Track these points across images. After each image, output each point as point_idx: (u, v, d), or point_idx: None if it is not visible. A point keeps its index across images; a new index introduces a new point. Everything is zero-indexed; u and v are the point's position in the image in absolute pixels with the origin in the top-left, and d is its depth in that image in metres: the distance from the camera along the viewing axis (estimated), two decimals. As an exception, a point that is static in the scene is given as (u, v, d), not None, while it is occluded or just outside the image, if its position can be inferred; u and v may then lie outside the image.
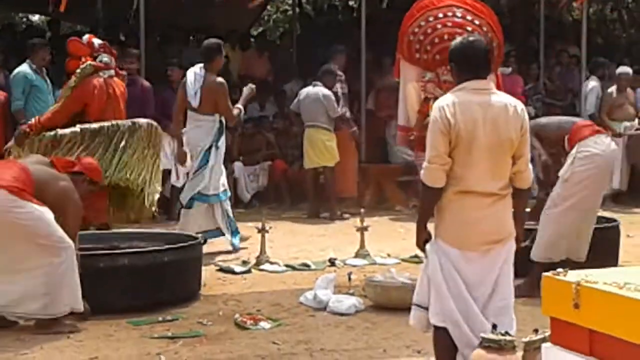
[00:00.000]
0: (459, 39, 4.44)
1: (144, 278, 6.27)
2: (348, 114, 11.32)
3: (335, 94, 10.96)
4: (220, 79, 8.47)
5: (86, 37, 8.45)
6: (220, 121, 8.58)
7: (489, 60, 4.38)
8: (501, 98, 4.29)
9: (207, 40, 8.88)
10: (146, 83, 10.61)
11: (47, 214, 5.69)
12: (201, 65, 8.54)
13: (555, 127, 6.85)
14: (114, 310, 6.11)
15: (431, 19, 10.46)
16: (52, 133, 7.62)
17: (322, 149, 10.72)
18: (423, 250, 4.34)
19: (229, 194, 8.77)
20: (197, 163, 8.52)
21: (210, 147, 8.48)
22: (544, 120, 7.36)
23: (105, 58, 8.14)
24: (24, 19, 19.45)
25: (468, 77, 4.26)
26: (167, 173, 10.68)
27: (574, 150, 6.57)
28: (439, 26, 10.36)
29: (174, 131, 10.42)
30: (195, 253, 6.76)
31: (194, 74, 8.51)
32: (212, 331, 5.81)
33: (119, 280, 6.21)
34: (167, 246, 6.61)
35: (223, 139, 8.69)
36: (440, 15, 10.43)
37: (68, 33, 15.50)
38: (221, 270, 7.63)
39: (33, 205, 5.65)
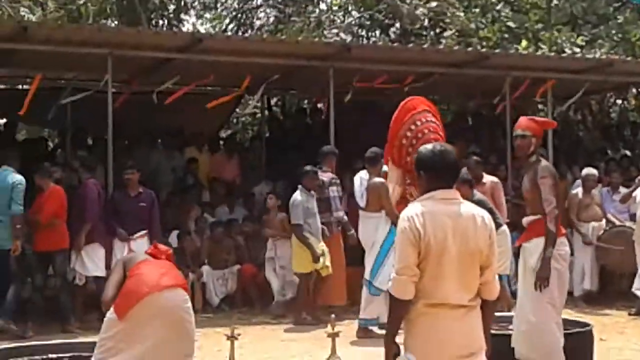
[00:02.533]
0: (428, 147, 4.39)
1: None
2: (345, 218, 11.11)
3: (328, 198, 10.88)
4: (381, 180, 9.31)
5: None
6: None
7: (458, 170, 4.36)
8: (469, 208, 4.25)
9: (373, 149, 9.73)
10: (92, 187, 10.51)
11: None
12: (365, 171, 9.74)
13: None
14: None
15: (418, 123, 10.51)
16: None
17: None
18: None
19: None
20: (378, 257, 9.22)
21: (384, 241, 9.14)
22: None
23: None
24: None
25: (437, 187, 4.22)
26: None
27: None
28: (425, 131, 10.41)
29: (121, 237, 10.44)
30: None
31: (360, 178, 9.81)
32: None
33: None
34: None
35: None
36: (423, 119, 10.52)
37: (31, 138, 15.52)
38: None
39: None
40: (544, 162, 6.87)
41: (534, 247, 6.73)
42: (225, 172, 13.82)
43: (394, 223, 9.25)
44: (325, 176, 10.99)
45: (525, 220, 6.91)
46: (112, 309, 5.61)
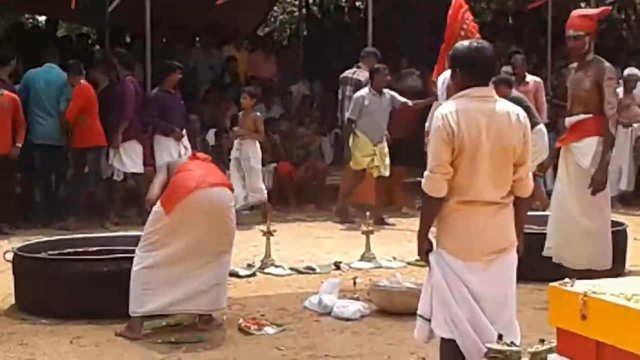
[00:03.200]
0: (464, 43, 4.31)
1: (148, 282, 6.23)
2: None
3: (350, 97, 10.82)
4: None
5: None
6: None
7: (495, 68, 4.31)
8: (504, 106, 4.22)
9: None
10: (129, 84, 10.51)
11: None
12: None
13: None
14: (118, 315, 6.06)
15: (467, 21, 10.42)
16: None
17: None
18: (425, 260, 4.28)
19: None
20: None
21: None
22: None
23: None
24: (30, 20, 19.44)
25: (472, 84, 4.18)
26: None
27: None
28: (473, 30, 10.39)
29: (177, 135, 10.50)
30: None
31: (444, 78, 8.89)
32: (216, 336, 5.78)
33: (123, 285, 6.16)
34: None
35: None
36: (469, 18, 10.42)
37: (72, 35, 15.57)
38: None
39: None
40: (607, 63, 6.56)
41: (586, 147, 6.51)
42: (262, 70, 13.80)
43: None
44: (363, 76, 10.93)
45: (571, 120, 6.65)
46: (158, 204, 5.76)
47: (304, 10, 16.95)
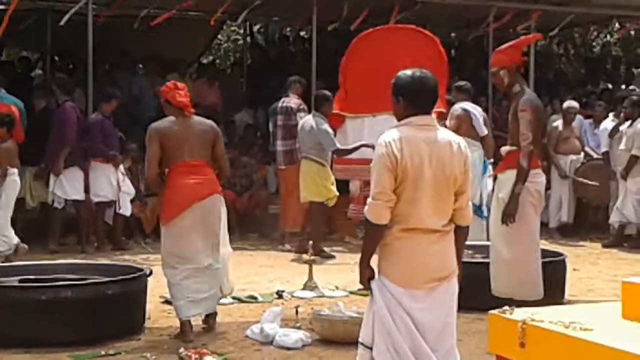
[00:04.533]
0: (406, 72, 4.32)
1: (87, 311, 6.16)
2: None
3: (295, 125, 10.81)
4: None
5: None
6: None
7: (436, 96, 4.35)
8: (445, 134, 4.26)
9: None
10: (70, 110, 10.42)
11: None
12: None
13: None
14: (55, 344, 5.99)
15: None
16: None
17: (309, 183, 10.20)
18: (367, 287, 4.28)
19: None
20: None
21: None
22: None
23: None
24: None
25: (414, 112, 4.22)
26: (112, 203, 10.62)
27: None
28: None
29: (117, 161, 10.45)
30: (140, 285, 6.65)
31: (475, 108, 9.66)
32: (157, 365, 5.72)
33: (61, 313, 6.10)
34: (110, 278, 6.50)
35: None
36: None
37: (12, 60, 15.39)
38: (167, 302, 7.50)
39: None
40: (527, 94, 6.68)
41: (506, 179, 6.70)
42: (206, 98, 13.75)
43: None
44: (293, 103, 10.95)
45: (503, 150, 6.89)
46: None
47: (248, 39, 16.99)
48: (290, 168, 10.84)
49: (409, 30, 10.90)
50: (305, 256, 8.47)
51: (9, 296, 6.25)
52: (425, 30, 10.98)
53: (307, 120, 10.24)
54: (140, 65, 14.16)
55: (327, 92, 10.47)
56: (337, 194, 10.22)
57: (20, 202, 10.60)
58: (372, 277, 4.24)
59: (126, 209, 10.69)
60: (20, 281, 6.72)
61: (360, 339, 4.30)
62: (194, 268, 6.45)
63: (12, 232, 9.37)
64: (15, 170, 9.43)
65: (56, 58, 14.29)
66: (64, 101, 10.49)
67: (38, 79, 13.37)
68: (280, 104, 11.04)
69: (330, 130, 10.06)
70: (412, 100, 4.23)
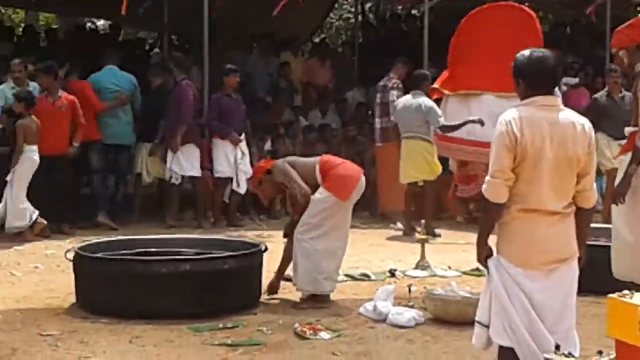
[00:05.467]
0: (524, 54, 4.28)
1: (205, 284, 6.32)
2: None
3: (387, 103, 10.89)
4: None
5: None
6: None
7: (557, 76, 4.30)
8: (568, 115, 4.21)
9: None
10: (187, 88, 10.65)
11: None
12: None
13: None
14: (175, 316, 6.17)
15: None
16: None
17: (422, 163, 10.22)
18: (484, 266, 4.28)
19: None
20: None
21: None
22: None
23: None
24: (88, 24, 19.79)
25: (536, 93, 4.19)
26: (229, 180, 10.83)
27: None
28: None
29: (234, 139, 10.63)
30: (257, 260, 6.79)
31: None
32: (272, 340, 5.82)
33: (180, 286, 6.27)
34: (229, 253, 6.65)
35: None
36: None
37: (131, 39, 15.81)
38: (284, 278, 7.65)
39: None
40: None
41: (627, 160, 6.47)
42: (317, 76, 13.87)
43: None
44: (389, 82, 11.00)
45: (627, 130, 6.67)
46: (325, 193, 6.66)
47: (359, 17, 17.00)
48: (386, 145, 10.94)
49: (510, 7, 10.74)
50: (417, 235, 8.48)
51: (131, 269, 6.45)
52: (524, 7, 10.74)
53: (407, 99, 10.26)
54: (255, 44, 14.36)
55: (426, 72, 10.48)
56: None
57: (137, 178, 10.99)
58: (489, 255, 4.24)
59: (242, 187, 10.87)
60: (140, 254, 6.96)
61: (477, 318, 4.31)
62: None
63: (30, 206, 9.56)
64: (34, 148, 9.61)
65: (173, 37, 14.61)
66: (181, 79, 10.74)
67: (155, 58, 13.71)
68: (380, 83, 11.12)
69: (436, 107, 10.04)
70: (532, 82, 4.20)
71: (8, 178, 9.51)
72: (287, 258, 6.97)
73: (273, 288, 7.04)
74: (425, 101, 10.02)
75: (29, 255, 8.82)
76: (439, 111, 9.95)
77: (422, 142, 10.13)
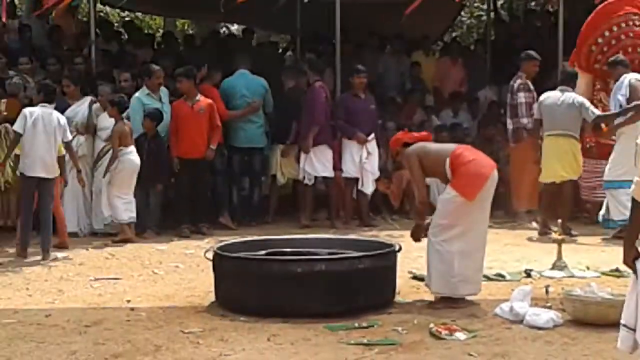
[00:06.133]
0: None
1: (340, 284, 6.38)
2: (530, 125, 10.62)
3: (516, 105, 10.73)
4: None
5: None
6: None
7: None
8: None
9: None
10: (319, 90, 10.75)
11: None
12: None
13: None
14: (311, 315, 6.25)
15: (615, 28, 10.27)
16: None
17: (571, 161, 10.02)
18: (632, 268, 4.16)
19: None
20: None
21: None
22: None
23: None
24: (224, 28, 20.23)
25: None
26: (355, 180, 10.88)
27: None
28: (622, 37, 10.27)
29: (360, 138, 10.68)
30: (391, 260, 6.81)
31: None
32: (407, 340, 5.83)
33: (316, 286, 6.35)
34: (364, 253, 6.70)
35: None
36: (623, 24, 10.24)
37: (264, 42, 16.07)
38: (415, 277, 7.65)
39: None
40: None
41: None
42: (449, 75, 13.77)
43: None
44: (516, 82, 10.79)
45: None
46: (453, 192, 6.53)
47: (492, 15, 16.78)
48: (519, 146, 10.77)
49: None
50: (553, 235, 8.32)
51: (268, 268, 6.58)
52: None
53: (555, 95, 10.02)
54: (386, 44, 14.38)
55: (575, 69, 10.27)
56: None
57: (272, 179, 11.19)
58: (637, 257, 4.12)
59: (367, 187, 10.91)
60: (276, 254, 7.08)
61: (622, 321, 4.20)
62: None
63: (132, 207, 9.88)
64: (130, 149, 9.84)
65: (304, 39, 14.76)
66: (314, 81, 10.87)
67: (289, 60, 13.90)
68: (511, 83, 10.95)
69: (587, 101, 9.95)
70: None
71: (104, 178, 9.92)
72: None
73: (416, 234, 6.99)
74: (576, 97, 9.91)
75: (170, 254, 9.10)
76: (589, 104, 9.85)
77: (572, 140, 9.94)
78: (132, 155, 9.86)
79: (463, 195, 6.50)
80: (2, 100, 8.62)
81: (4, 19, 11.78)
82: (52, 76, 10.96)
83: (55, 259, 8.77)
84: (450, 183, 6.63)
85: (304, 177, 10.86)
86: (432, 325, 6.03)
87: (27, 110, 8.92)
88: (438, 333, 5.90)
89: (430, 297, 6.90)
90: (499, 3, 17.97)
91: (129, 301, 7.01)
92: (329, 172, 10.87)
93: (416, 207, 6.76)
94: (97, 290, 7.47)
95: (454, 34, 18.89)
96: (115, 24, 17.32)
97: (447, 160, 6.65)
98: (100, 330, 6.12)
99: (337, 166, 10.92)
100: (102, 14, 18.67)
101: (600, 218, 9.85)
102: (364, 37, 13.73)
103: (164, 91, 10.53)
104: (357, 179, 10.93)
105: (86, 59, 11.72)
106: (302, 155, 10.83)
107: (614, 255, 4.22)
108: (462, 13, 18.97)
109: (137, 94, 10.44)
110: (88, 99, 10.40)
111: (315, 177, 10.89)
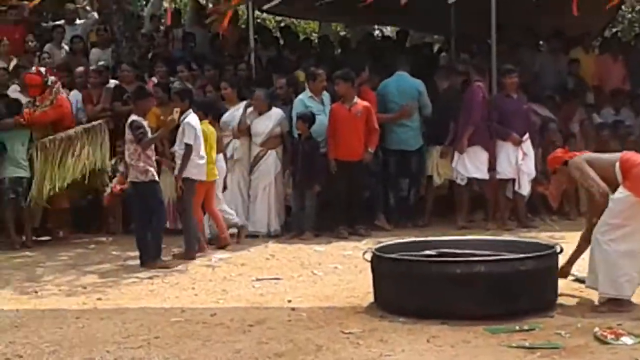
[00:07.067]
0: None
1: (500, 286, 6.31)
2: None
3: None
4: None
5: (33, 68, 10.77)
6: None
7: None
8: None
9: None
10: (477, 90, 10.65)
11: None
12: None
13: None
14: (470, 317, 6.21)
15: None
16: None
17: None
18: None
19: None
20: None
21: None
22: None
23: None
24: (377, 31, 20.30)
25: None
26: (511, 181, 10.72)
27: None
28: None
29: (514, 139, 10.49)
30: (552, 262, 6.69)
31: None
32: (571, 343, 5.70)
33: (475, 287, 6.30)
34: (524, 255, 6.60)
35: None
36: None
37: (417, 44, 16.04)
38: (577, 280, 7.46)
39: None
40: None
41: None
42: (610, 72, 13.37)
43: None
44: None
45: None
46: (625, 193, 6.46)
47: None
48: None
49: None
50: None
51: (426, 270, 6.57)
52: None
53: None
54: (541, 42, 14.09)
55: None
56: None
57: (429, 180, 11.17)
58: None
59: (524, 188, 10.72)
60: (435, 255, 7.05)
61: None
62: None
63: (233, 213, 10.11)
64: (220, 157, 9.85)
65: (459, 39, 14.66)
66: (474, 81, 10.79)
67: (443, 60, 13.84)
68: None
69: None
70: None
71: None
72: (582, 246, 6.95)
73: (564, 273, 7.02)
74: None
75: (329, 255, 9.22)
76: None
77: None
78: (220, 162, 9.99)
79: (638, 195, 6.43)
80: (175, 110, 8.94)
81: (169, 22, 12.59)
82: (209, 82, 11.31)
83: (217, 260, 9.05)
84: (623, 183, 6.56)
85: (456, 177, 10.79)
86: (596, 329, 5.88)
87: (192, 121, 9.19)
88: (603, 337, 5.75)
89: (592, 299, 6.73)
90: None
91: (289, 301, 7.16)
92: (481, 174, 10.75)
93: (595, 204, 6.68)
94: (259, 290, 7.66)
95: (614, 29, 18.31)
96: (272, 30, 17.65)
97: (617, 164, 6.62)
98: (264, 329, 6.27)
99: (492, 167, 10.79)
100: (259, 20, 19.07)
101: None
102: (519, 35, 13.48)
103: (326, 95, 10.67)
104: (512, 180, 10.76)
105: (248, 64, 12.00)
106: (456, 155, 10.77)
107: None
108: (623, 7, 18.35)
109: (300, 96, 10.68)
110: (244, 103, 10.64)
111: (469, 178, 10.79)
